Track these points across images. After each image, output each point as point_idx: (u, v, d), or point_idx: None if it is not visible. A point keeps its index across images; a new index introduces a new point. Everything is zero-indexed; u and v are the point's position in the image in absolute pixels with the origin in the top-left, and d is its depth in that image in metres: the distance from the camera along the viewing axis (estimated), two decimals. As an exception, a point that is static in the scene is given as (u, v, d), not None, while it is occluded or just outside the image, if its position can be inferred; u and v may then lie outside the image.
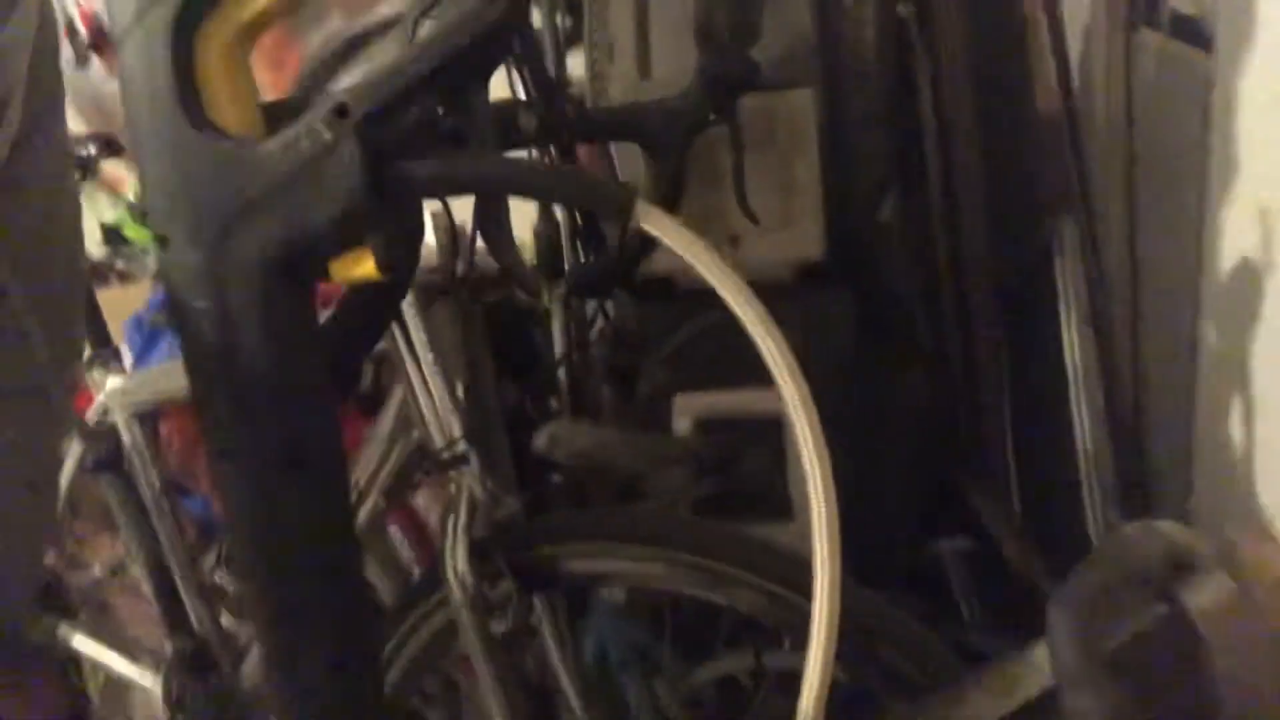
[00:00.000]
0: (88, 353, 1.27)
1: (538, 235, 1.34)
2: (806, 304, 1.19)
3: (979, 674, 0.91)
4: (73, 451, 1.30)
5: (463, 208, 0.85)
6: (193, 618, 1.27)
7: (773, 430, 1.16)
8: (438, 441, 1.09)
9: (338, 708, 0.79)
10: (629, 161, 1.25)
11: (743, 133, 0.95)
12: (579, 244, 1.33)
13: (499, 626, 1.01)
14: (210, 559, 1.31)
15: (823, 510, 0.68)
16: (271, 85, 0.99)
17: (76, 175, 1.68)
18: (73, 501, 1.41)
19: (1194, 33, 1.08)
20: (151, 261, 1.88)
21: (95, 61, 1.95)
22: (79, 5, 1.95)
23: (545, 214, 1.33)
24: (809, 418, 0.68)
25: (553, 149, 1.03)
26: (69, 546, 1.54)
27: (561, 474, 1.28)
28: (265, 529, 0.74)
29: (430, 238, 0.87)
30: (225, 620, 1.28)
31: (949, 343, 1.35)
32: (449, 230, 1.01)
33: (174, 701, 1.26)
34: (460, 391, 1.09)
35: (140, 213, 1.82)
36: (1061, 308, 1.40)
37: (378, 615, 1.15)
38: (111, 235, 2.04)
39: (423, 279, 1.06)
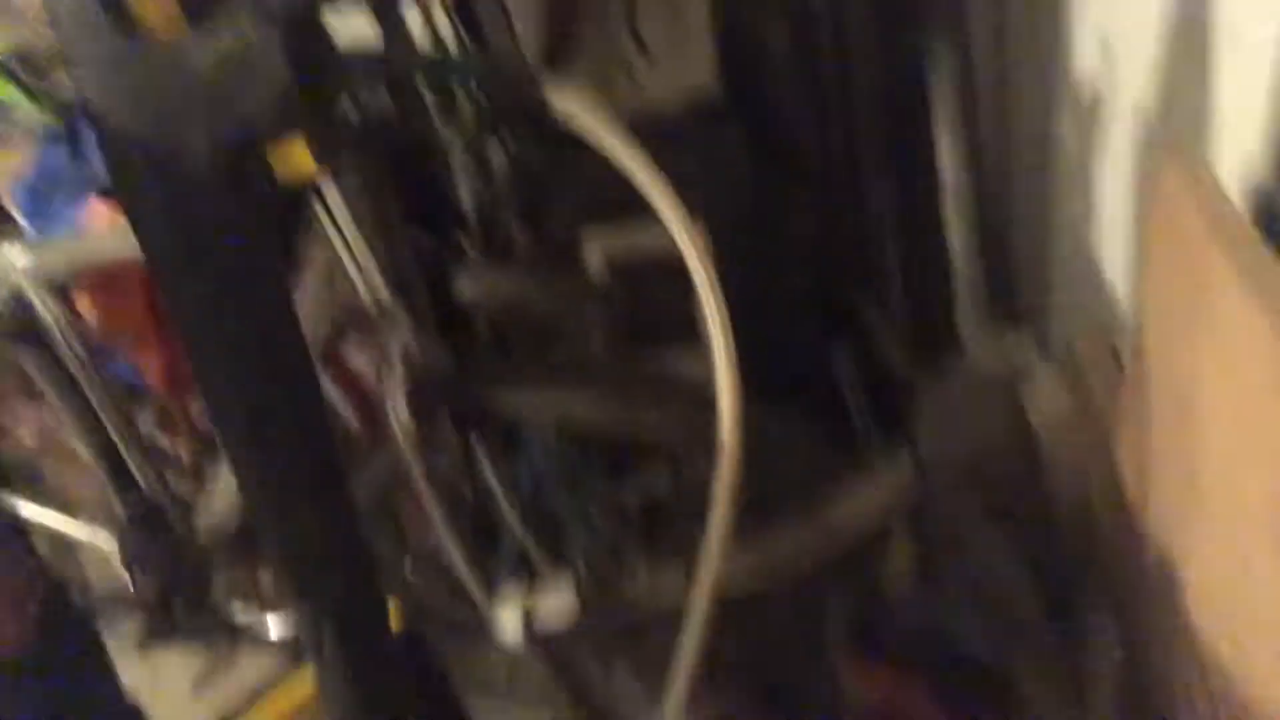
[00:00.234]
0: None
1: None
2: (703, 144, 1.24)
3: (853, 477, 1.04)
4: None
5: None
6: (139, 478, 1.31)
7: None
8: (365, 299, 1.13)
9: (317, 525, 0.86)
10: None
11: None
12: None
13: (441, 464, 1.10)
14: (146, 420, 1.35)
15: (722, 340, 0.78)
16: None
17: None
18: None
19: None
20: (24, 120, 1.80)
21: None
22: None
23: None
24: (701, 261, 0.77)
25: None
26: (-8, 417, 1.56)
27: (482, 315, 1.33)
28: (241, 384, 0.80)
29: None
30: (170, 477, 1.33)
31: (836, 164, 1.42)
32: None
33: (132, 561, 1.31)
34: (380, 247, 1.13)
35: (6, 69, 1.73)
36: (936, 122, 1.48)
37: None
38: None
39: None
